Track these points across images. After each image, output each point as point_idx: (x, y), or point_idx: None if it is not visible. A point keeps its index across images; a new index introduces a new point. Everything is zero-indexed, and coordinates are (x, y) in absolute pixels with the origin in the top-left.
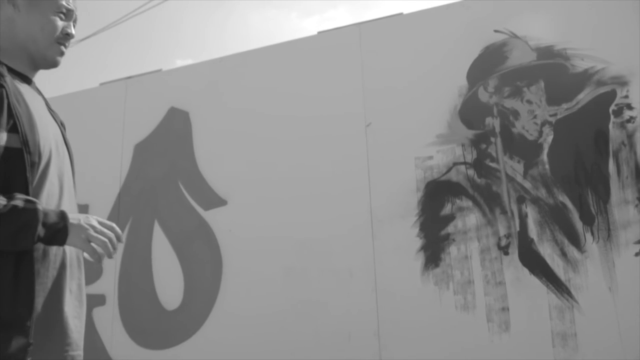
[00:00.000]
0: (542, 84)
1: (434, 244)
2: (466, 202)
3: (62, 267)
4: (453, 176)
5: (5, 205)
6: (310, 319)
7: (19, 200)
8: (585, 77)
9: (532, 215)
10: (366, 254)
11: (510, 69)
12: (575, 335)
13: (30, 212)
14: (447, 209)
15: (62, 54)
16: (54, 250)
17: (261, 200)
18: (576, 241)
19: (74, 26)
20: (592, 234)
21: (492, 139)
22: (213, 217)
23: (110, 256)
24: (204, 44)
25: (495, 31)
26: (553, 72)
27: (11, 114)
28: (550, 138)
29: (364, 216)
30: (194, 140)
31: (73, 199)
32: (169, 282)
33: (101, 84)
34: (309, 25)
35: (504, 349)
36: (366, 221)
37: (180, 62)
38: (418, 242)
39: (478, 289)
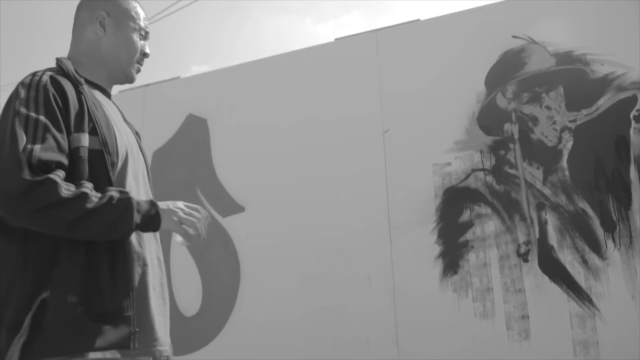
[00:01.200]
0: (561, 89)
1: (453, 251)
2: (485, 209)
3: (144, 265)
4: (471, 183)
5: (101, 197)
6: (328, 325)
7: (113, 191)
8: (605, 83)
9: (552, 222)
10: (384, 260)
11: (529, 74)
12: (597, 344)
13: (126, 201)
14: (466, 216)
15: (138, 71)
16: (135, 248)
17: (279, 206)
18: (597, 248)
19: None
20: (614, 240)
21: (511, 145)
22: (231, 224)
23: (200, 236)
24: (219, 50)
25: (514, 37)
26: (572, 77)
27: (90, 118)
28: (570, 144)
29: (382, 222)
30: (211, 147)
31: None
32: (187, 289)
33: (120, 92)
34: (323, 31)
35: (524, 357)
36: (384, 227)
37: (195, 68)
38: (436, 249)
39: (497, 296)
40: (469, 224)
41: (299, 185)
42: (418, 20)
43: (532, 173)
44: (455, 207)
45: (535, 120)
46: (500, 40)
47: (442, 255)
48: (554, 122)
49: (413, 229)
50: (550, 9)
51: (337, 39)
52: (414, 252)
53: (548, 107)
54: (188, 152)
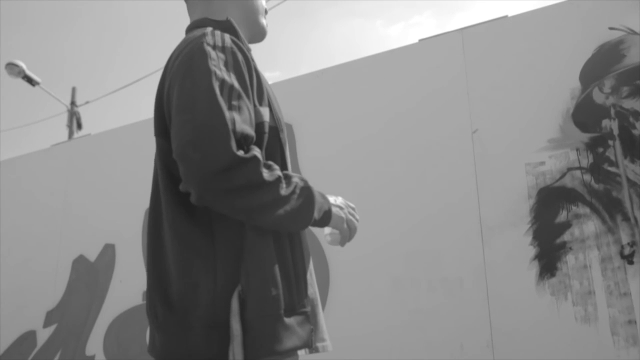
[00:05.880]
0: None
1: (550, 253)
2: (583, 209)
3: (309, 257)
4: (568, 182)
5: (289, 183)
6: (420, 329)
7: (296, 177)
8: None
9: None
10: (477, 263)
11: (629, 67)
12: None
13: (307, 190)
14: (562, 216)
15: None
16: (299, 241)
17: (367, 210)
18: None
19: None
20: None
21: (610, 142)
22: (319, 228)
23: (350, 239)
24: (290, 56)
25: (610, 29)
26: None
27: (265, 90)
28: None
29: (473, 224)
30: (298, 152)
31: None
32: None
33: None
34: (394, 32)
35: None
36: (476, 230)
37: (268, 74)
38: (532, 251)
39: (600, 300)
40: (567, 225)
41: (387, 188)
42: (506, 17)
43: (635, 171)
44: (550, 207)
45: (637, 115)
46: (595, 33)
47: (538, 257)
48: None
49: (506, 230)
50: None
51: (421, 40)
52: (507, 254)
53: None
54: None
